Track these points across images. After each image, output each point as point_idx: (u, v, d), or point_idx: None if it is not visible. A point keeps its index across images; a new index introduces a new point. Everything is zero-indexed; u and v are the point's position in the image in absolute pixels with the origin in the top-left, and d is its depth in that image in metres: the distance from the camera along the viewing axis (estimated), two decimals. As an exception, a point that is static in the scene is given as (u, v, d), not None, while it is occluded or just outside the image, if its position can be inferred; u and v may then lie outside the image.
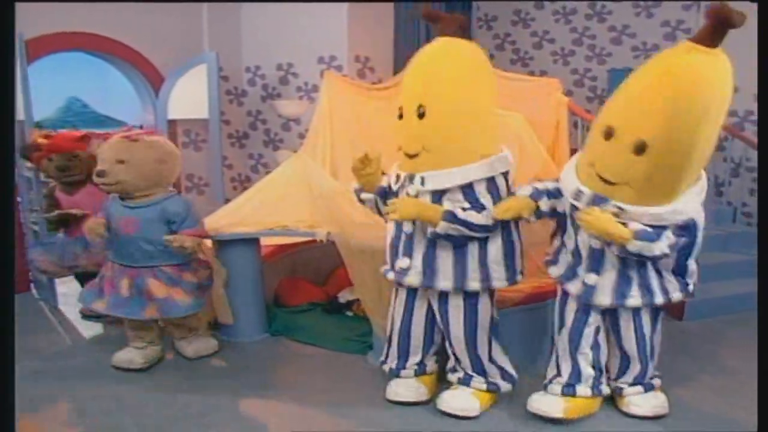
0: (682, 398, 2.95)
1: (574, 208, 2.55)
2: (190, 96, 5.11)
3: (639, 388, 2.81)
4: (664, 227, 2.40)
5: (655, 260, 2.53)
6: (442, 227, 2.55)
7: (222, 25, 5.55)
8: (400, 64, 5.72)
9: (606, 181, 2.39)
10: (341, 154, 3.97)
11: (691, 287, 2.73)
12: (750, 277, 3.78)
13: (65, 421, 2.76)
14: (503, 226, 2.69)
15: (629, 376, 2.82)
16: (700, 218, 2.54)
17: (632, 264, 2.56)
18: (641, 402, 2.79)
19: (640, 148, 2.25)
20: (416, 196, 2.64)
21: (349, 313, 4.03)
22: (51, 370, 3.27)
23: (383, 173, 2.86)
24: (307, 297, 4.20)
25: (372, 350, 3.38)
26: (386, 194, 2.83)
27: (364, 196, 2.92)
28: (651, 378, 2.85)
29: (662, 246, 2.39)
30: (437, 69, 2.56)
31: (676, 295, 2.68)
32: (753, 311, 3.63)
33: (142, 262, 3.14)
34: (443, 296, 2.75)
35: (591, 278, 2.60)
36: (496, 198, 2.63)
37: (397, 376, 2.96)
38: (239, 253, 3.55)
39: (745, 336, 3.73)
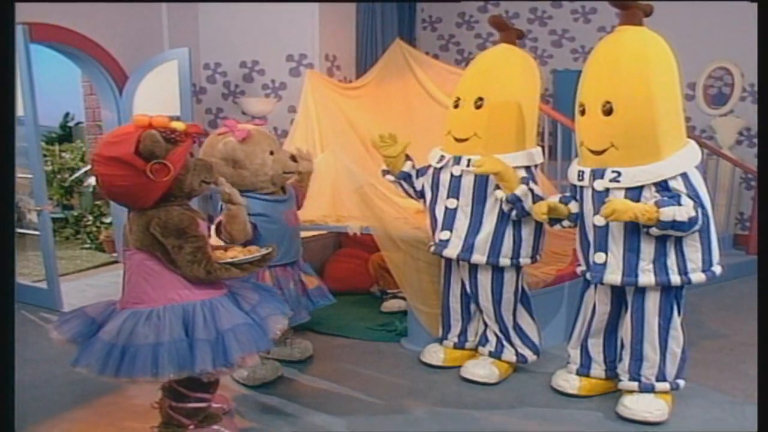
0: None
1: (581, 194, 2.67)
2: (156, 93, 4.96)
3: (633, 384, 2.68)
4: (678, 195, 2.42)
5: (688, 228, 2.42)
6: (522, 190, 2.75)
7: (179, 22, 5.41)
8: (363, 63, 5.85)
9: (595, 152, 2.52)
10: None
11: (715, 266, 2.59)
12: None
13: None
14: None
15: (627, 367, 2.72)
16: (700, 185, 2.50)
17: (641, 240, 2.50)
18: (631, 404, 2.65)
19: (608, 110, 2.44)
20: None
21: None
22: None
23: (408, 158, 3.14)
24: (310, 291, 4.25)
25: (406, 337, 3.53)
26: (409, 178, 3.14)
27: (388, 177, 3.20)
28: (659, 379, 2.66)
29: (689, 209, 2.38)
30: (498, 68, 2.93)
31: (697, 276, 2.55)
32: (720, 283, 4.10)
33: (296, 254, 3.00)
34: (473, 269, 3.01)
35: (600, 257, 2.60)
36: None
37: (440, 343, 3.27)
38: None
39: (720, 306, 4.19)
